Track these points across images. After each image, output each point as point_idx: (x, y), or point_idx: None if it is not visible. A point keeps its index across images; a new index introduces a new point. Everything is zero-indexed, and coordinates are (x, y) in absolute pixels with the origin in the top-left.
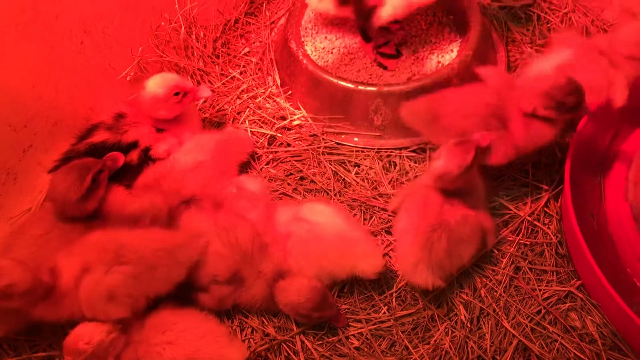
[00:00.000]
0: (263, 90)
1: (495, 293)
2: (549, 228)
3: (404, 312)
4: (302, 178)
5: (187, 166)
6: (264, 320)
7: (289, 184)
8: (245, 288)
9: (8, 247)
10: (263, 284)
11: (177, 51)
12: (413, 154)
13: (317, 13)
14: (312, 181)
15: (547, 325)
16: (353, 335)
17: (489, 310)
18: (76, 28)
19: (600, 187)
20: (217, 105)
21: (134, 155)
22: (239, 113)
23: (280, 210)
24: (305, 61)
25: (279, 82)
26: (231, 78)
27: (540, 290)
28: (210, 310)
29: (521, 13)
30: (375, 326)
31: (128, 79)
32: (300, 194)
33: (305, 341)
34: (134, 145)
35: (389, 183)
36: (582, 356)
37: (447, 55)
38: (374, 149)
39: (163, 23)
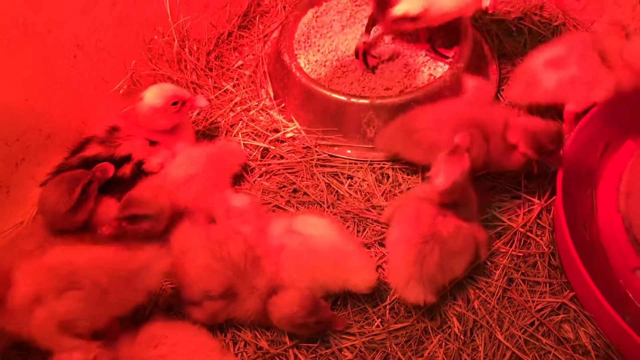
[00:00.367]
0: (256, 103)
1: (488, 305)
2: (541, 239)
3: (398, 325)
4: (295, 190)
5: (179, 179)
6: (257, 334)
7: (281, 196)
8: (238, 303)
9: None
10: (257, 299)
11: (170, 64)
12: (405, 166)
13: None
14: (305, 193)
15: (541, 337)
16: (346, 347)
17: (483, 322)
18: (69, 42)
19: (592, 198)
20: (211, 118)
21: (127, 169)
22: (232, 126)
23: (274, 223)
24: (298, 74)
25: (272, 94)
26: (224, 91)
27: (533, 301)
28: (203, 324)
29: (512, 26)
30: (368, 339)
31: (121, 92)
32: (293, 206)
33: (299, 354)
34: (127, 159)
35: (382, 195)
36: None
37: (439, 68)
38: (367, 161)
39: (156, 36)
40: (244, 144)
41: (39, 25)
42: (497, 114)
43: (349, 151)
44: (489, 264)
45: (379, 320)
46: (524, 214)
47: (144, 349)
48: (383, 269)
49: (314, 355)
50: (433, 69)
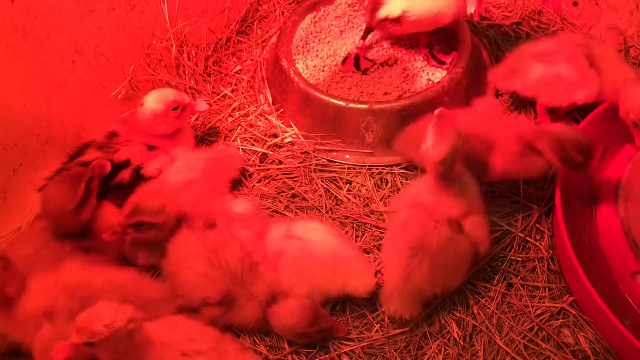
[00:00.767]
0: (255, 108)
1: (487, 310)
2: (540, 244)
3: (397, 330)
4: (293, 195)
5: (178, 185)
6: (256, 339)
7: (280, 201)
8: (236, 310)
9: None
10: (255, 306)
11: (168, 69)
12: (404, 171)
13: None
14: (303, 199)
15: (540, 342)
16: (345, 353)
17: (482, 327)
18: (67, 47)
19: (591, 203)
20: (209, 123)
21: (126, 175)
22: (230, 131)
23: (272, 228)
24: (296, 79)
25: (270, 99)
26: (223, 96)
27: (532, 306)
28: None
29: (510, 31)
30: (367, 344)
31: (119, 97)
32: (292, 211)
33: None
34: (125, 164)
35: (381, 200)
36: None
37: (437, 73)
38: (366, 166)
39: (154, 42)
40: (242, 149)
41: (38, 30)
42: (507, 125)
43: (347, 156)
44: (488, 268)
45: (378, 325)
46: (522, 219)
47: None
48: (382, 274)
49: None
50: (431, 74)
